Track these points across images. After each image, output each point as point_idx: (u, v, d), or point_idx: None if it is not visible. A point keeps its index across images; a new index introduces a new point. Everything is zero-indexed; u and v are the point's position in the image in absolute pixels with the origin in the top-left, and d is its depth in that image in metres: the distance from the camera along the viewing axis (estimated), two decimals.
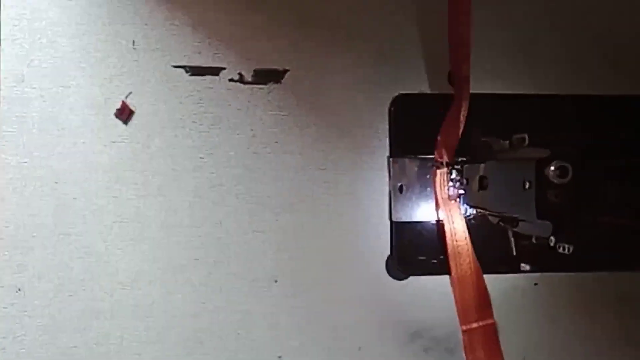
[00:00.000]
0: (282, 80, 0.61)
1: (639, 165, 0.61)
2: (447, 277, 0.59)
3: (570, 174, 0.57)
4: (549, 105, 0.62)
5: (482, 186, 0.58)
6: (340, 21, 0.61)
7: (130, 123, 0.59)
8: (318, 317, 0.61)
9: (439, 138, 0.59)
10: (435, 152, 0.60)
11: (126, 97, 0.58)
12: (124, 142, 0.59)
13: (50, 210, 0.59)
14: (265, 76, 0.60)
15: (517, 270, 0.61)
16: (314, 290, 0.61)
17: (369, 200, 0.61)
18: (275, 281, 0.61)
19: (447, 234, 0.59)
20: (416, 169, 0.61)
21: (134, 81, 0.59)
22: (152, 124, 0.60)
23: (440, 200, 0.60)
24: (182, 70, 0.60)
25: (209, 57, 0.60)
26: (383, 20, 0.62)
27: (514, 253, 0.60)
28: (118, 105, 0.59)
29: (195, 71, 0.60)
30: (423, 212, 0.61)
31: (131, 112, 0.59)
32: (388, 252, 0.62)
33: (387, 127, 0.62)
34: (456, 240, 0.59)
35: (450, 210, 0.59)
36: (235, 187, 0.60)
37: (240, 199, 0.60)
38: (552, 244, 0.56)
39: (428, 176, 0.61)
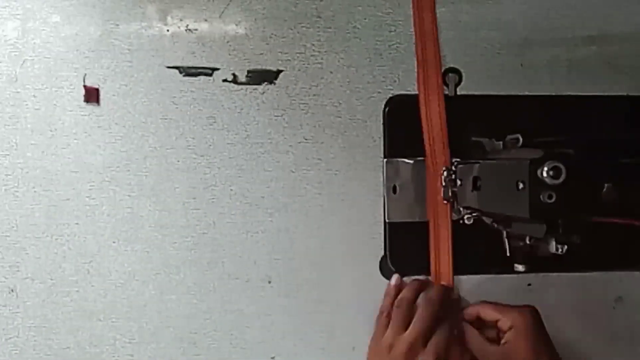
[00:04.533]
0: (276, 81, 0.61)
1: (632, 166, 0.61)
2: None
3: (564, 174, 0.57)
4: (543, 106, 0.62)
5: (476, 187, 0.58)
6: (335, 21, 0.61)
7: (123, 123, 0.59)
8: (312, 317, 0.61)
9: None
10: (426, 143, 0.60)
11: (83, 80, 0.57)
12: (117, 142, 0.59)
13: (43, 211, 0.59)
14: (259, 77, 0.60)
15: (511, 270, 0.62)
16: (308, 291, 0.61)
17: (363, 200, 0.61)
18: (269, 282, 0.61)
19: (431, 239, 0.60)
20: (410, 169, 0.61)
21: (128, 82, 0.59)
22: (146, 125, 0.60)
23: (430, 203, 0.60)
24: (175, 70, 0.60)
25: (203, 57, 0.60)
26: (378, 20, 0.62)
27: (508, 254, 0.60)
28: (98, 102, 0.59)
29: (189, 72, 0.60)
30: (417, 212, 0.61)
31: (96, 90, 0.58)
32: (382, 253, 0.62)
33: (382, 127, 0.62)
34: (439, 246, 0.60)
35: (437, 214, 0.60)
36: (229, 187, 0.60)
37: (234, 199, 0.60)
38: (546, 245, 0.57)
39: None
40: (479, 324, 0.58)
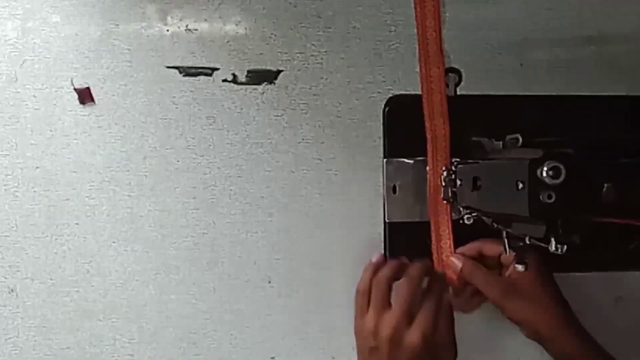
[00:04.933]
0: (276, 81, 0.61)
1: (632, 166, 0.61)
2: None
3: (564, 174, 0.57)
4: (542, 106, 0.62)
5: (476, 186, 0.58)
6: (335, 22, 0.61)
7: (123, 123, 0.59)
8: (312, 317, 0.61)
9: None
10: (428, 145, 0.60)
11: (71, 83, 0.57)
12: (117, 142, 0.59)
13: (43, 211, 0.59)
14: (259, 77, 0.60)
15: None
16: (308, 291, 0.61)
17: (362, 200, 0.61)
18: (269, 282, 0.61)
19: (433, 239, 0.60)
20: (410, 169, 0.61)
21: (128, 82, 0.59)
22: (146, 125, 0.60)
23: (430, 203, 0.60)
24: (175, 70, 0.60)
25: (203, 57, 0.60)
26: (378, 20, 0.62)
27: (507, 254, 0.60)
28: (91, 102, 0.59)
29: (189, 72, 0.60)
30: (417, 212, 0.61)
31: (87, 89, 0.58)
32: (382, 253, 0.61)
33: (381, 127, 0.62)
34: (440, 247, 0.60)
35: (437, 216, 0.60)
36: (228, 187, 0.60)
37: (234, 199, 0.60)
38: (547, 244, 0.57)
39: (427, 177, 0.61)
40: (481, 260, 0.59)
